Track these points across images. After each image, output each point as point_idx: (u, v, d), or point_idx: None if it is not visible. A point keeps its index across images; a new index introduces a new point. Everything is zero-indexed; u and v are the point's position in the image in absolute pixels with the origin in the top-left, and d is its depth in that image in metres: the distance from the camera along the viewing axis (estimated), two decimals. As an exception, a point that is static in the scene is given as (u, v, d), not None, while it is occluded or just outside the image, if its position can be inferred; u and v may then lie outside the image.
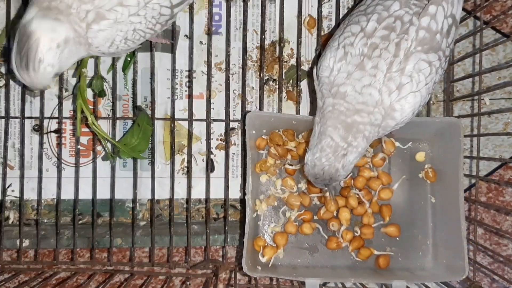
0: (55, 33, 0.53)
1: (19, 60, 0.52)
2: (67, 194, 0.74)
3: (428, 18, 0.56)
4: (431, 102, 0.76)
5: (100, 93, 0.73)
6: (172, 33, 0.72)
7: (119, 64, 0.75)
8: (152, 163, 0.72)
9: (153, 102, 0.72)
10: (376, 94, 0.55)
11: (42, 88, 0.55)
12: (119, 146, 0.69)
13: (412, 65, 0.56)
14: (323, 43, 0.73)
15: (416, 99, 0.57)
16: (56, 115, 0.75)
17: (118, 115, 0.74)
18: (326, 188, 0.63)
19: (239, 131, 0.77)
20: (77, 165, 0.73)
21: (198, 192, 0.76)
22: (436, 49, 0.57)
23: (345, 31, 0.59)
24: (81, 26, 0.54)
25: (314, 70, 0.60)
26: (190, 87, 0.73)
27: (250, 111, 0.68)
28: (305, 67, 0.78)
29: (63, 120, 0.73)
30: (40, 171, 0.71)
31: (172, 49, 0.73)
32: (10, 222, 0.76)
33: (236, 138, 0.77)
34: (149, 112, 0.73)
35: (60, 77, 0.73)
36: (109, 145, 0.71)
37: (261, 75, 0.74)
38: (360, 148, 0.56)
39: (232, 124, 0.76)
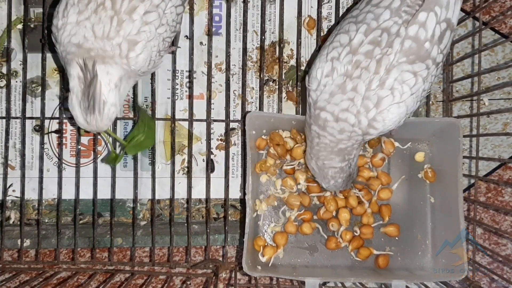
0: (110, 75, 0.57)
1: (87, 103, 0.56)
2: (68, 194, 0.75)
3: (417, 26, 0.55)
4: (430, 102, 0.76)
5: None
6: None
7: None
8: (153, 163, 0.72)
9: (153, 102, 0.72)
10: (352, 119, 0.57)
11: (102, 130, 0.59)
12: (124, 143, 0.69)
13: (394, 78, 0.56)
14: (323, 44, 0.73)
15: (401, 110, 0.57)
16: (57, 116, 0.75)
17: (118, 115, 0.74)
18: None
19: (239, 131, 0.77)
20: (77, 165, 0.74)
21: (198, 192, 0.77)
22: (423, 58, 0.56)
23: (334, 40, 0.59)
24: (123, 61, 0.57)
25: (306, 79, 0.61)
26: (191, 88, 0.73)
27: (250, 112, 0.68)
28: (305, 67, 0.78)
29: (64, 121, 0.74)
30: (41, 171, 0.72)
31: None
32: (11, 222, 0.76)
33: (236, 138, 0.78)
34: (149, 112, 0.73)
35: (61, 78, 0.73)
36: (110, 139, 0.71)
37: (261, 76, 0.74)
38: (356, 157, 0.63)
39: (232, 125, 0.77)
